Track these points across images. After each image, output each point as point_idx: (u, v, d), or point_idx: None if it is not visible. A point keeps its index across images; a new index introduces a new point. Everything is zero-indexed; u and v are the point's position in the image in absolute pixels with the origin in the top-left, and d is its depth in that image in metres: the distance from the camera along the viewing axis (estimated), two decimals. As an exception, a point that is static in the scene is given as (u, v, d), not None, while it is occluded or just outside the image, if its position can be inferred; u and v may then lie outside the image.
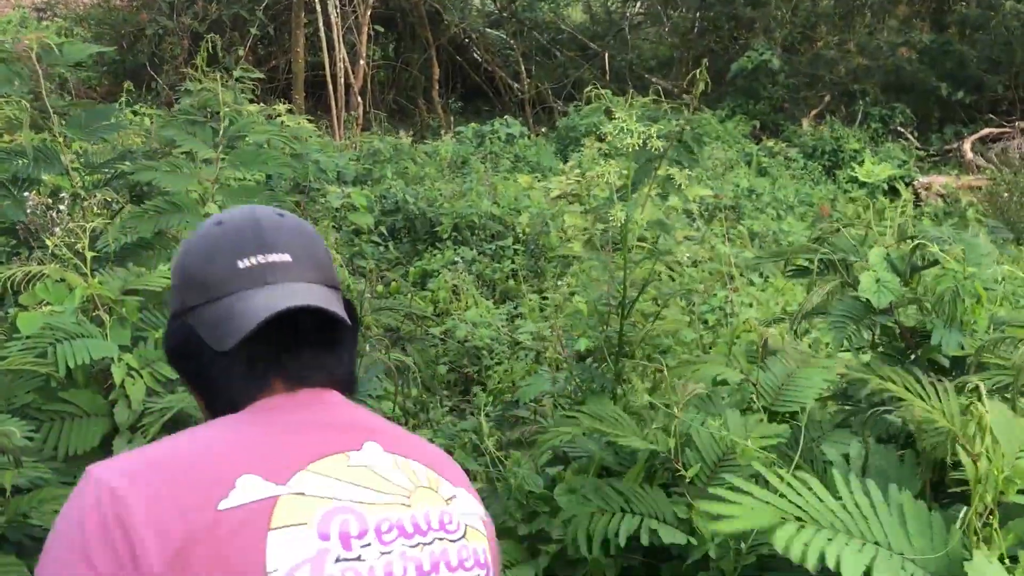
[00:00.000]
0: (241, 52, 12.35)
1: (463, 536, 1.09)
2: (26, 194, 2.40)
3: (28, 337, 1.90)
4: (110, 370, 1.99)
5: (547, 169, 10.39)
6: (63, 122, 2.72)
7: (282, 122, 8.10)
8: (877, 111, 13.53)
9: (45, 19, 18.87)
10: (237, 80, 6.33)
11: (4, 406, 1.81)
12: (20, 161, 2.60)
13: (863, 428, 1.90)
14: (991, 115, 13.26)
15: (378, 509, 1.03)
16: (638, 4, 18.47)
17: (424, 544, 1.04)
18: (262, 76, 8.22)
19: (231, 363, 1.09)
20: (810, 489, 1.31)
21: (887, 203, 9.58)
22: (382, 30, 15.22)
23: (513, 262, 6.12)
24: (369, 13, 14.47)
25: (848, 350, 2.39)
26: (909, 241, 2.65)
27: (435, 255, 6.24)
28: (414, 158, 9.24)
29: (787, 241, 7.40)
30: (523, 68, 16.48)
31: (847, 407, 2.41)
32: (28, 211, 2.30)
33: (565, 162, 12.03)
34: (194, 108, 3.16)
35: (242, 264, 1.09)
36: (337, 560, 0.97)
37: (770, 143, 12.33)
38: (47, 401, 1.93)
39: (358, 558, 0.98)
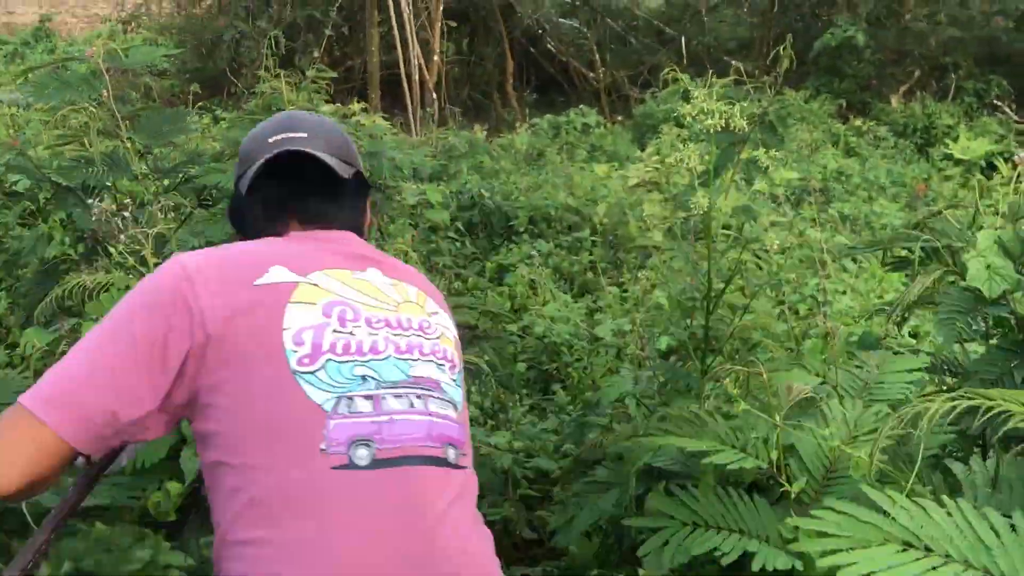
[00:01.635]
0: (316, 54, 12.48)
1: (438, 338, 1.36)
2: (90, 201, 2.37)
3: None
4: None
5: (624, 158, 10.18)
6: (132, 127, 2.69)
7: (357, 121, 8.12)
8: (971, 85, 12.92)
9: (131, 32, 19.49)
10: (311, 80, 6.30)
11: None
12: (90, 169, 2.58)
13: (988, 435, 1.71)
14: (1097, 84, 12.51)
15: (370, 309, 1.31)
16: (715, -13, 18.08)
17: (403, 335, 1.31)
18: (335, 75, 8.21)
19: (252, 205, 1.45)
20: (929, 514, 1.14)
21: (987, 180, 9.08)
22: (455, 25, 15.19)
23: (591, 254, 5.97)
24: (441, 8, 14.46)
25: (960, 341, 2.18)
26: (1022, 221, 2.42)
27: (511, 250, 6.13)
28: (489, 152, 9.16)
29: (879, 224, 7.07)
30: (597, 57, 16.26)
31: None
32: (93, 218, 2.27)
33: (643, 150, 11.82)
34: (259, 108, 3.11)
35: (271, 140, 1.44)
36: (333, 331, 1.26)
37: (857, 122, 11.87)
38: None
39: (350, 332, 1.27)
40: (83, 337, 1.26)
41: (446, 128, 12.25)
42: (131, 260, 1.99)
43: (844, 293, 3.77)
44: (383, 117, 9.94)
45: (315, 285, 1.29)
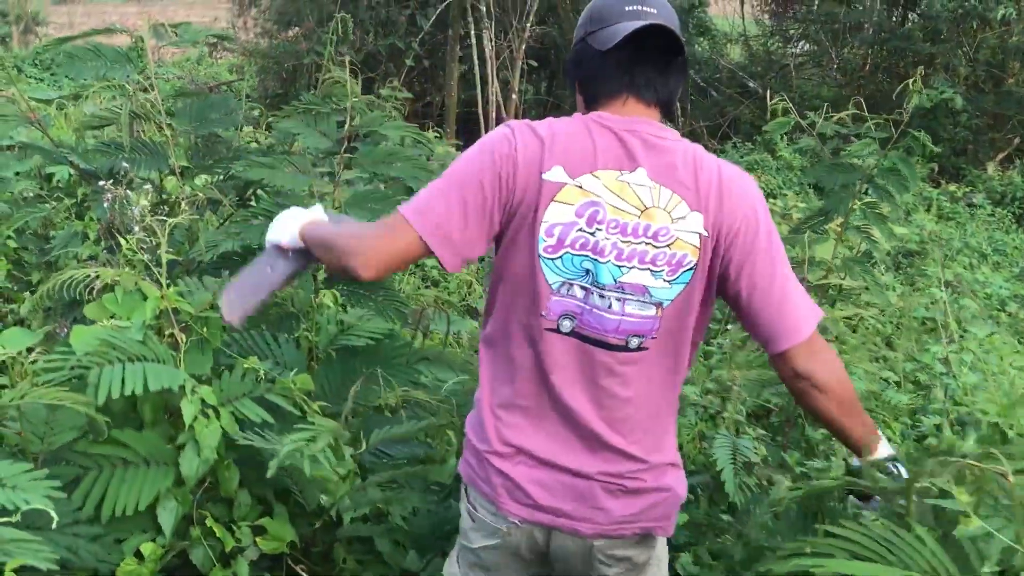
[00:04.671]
0: (396, 83, 12.34)
1: (668, 245, 1.58)
2: (101, 183, 2.02)
3: (80, 356, 1.50)
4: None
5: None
6: (172, 113, 2.35)
7: (431, 148, 7.82)
8: (1078, 156, 12.17)
9: (220, 57, 19.74)
10: (385, 100, 5.99)
11: (41, 447, 1.38)
12: (119, 154, 2.24)
13: None
14: None
15: (616, 212, 1.57)
16: (801, 43, 17.61)
17: (632, 242, 1.56)
18: (410, 96, 7.95)
19: (604, 63, 1.63)
20: None
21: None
22: (536, 65, 14.99)
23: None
24: (523, 48, 14.29)
25: None
26: None
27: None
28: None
29: (984, 293, 6.47)
30: (678, 106, 15.88)
31: None
32: (105, 205, 1.92)
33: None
34: (317, 98, 2.75)
35: (628, 8, 1.62)
36: (578, 230, 1.57)
37: (951, 187, 11.21)
38: (94, 443, 1.51)
39: (591, 233, 1.57)
40: (443, 174, 1.61)
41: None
42: (140, 255, 1.62)
43: (971, 368, 3.27)
44: (455, 147, 9.65)
45: (579, 187, 1.57)
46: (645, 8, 1.62)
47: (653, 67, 1.63)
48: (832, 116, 3.93)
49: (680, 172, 1.59)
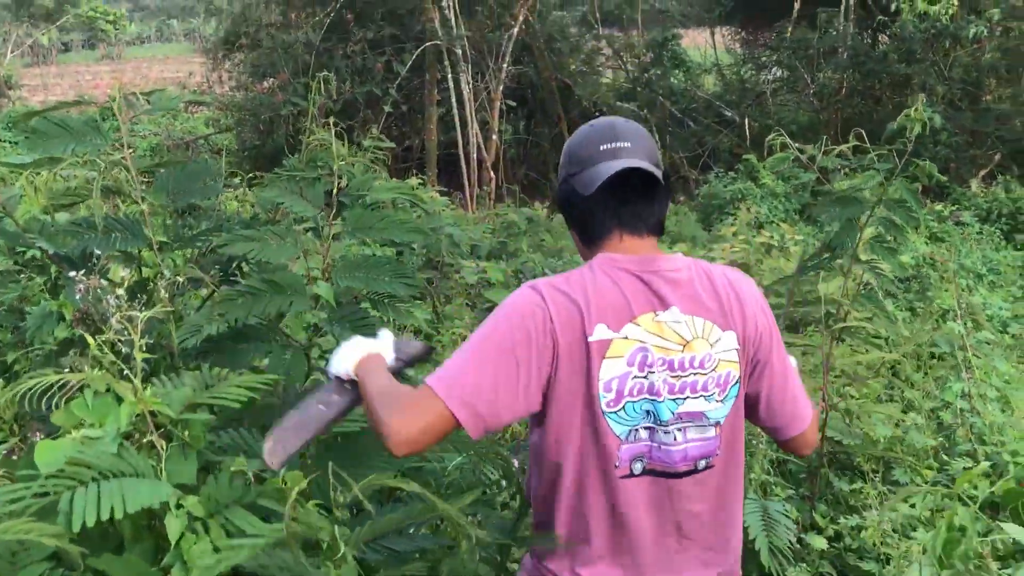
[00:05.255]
0: (375, 131, 12.25)
1: (714, 369, 1.69)
2: (72, 274, 1.86)
3: (47, 478, 1.32)
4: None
5: (690, 239, 9.65)
6: (147, 186, 2.20)
7: (415, 195, 7.71)
8: (1056, 167, 12.19)
9: (196, 111, 19.63)
10: (366, 150, 5.87)
11: (6, 581, 1.21)
12: (91, 234, 2.08)
13: None
14: None
15: (661, 351, 1.66)
16: (775, 70, 17.69)
17: (682, 375, 1.66)
18: (393, 146, 7.81)
19: (594, 205, 1.73)
20: None
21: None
22: (514, 105, 14.96)
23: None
24: (501, 89, 14.26)
25: None
26: None
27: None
28: (550, 230, 8.66)
29: (985, 316, 6.35)
30: (657, 139, 15.92)
31: None
32: (78, 296, 1.76)
33: (708, 231, 11.26)
34: (301, 163, 2.62)
35: (603, 147, 1.73)
36: (632, 377, 1.64)
37: (938, 207, 11.17)
38: (71, 570, 1.34)
39: (644, 376, 1.65)
40: (472, 342, 1.64)
41: (505, 205, 11.83)
42: (110, 355, 1.46)
43: (993, 400, 3.12)
44: (440, 192, 9.54)
45: (625, 338, 1.63)
46: (619, 144, 1.72)
47: (638, 201, 1.73)
48: (832, 149, 3.83)
49: (704, 299, 1.70)
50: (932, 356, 4.65)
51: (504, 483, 2.32)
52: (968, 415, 3.12)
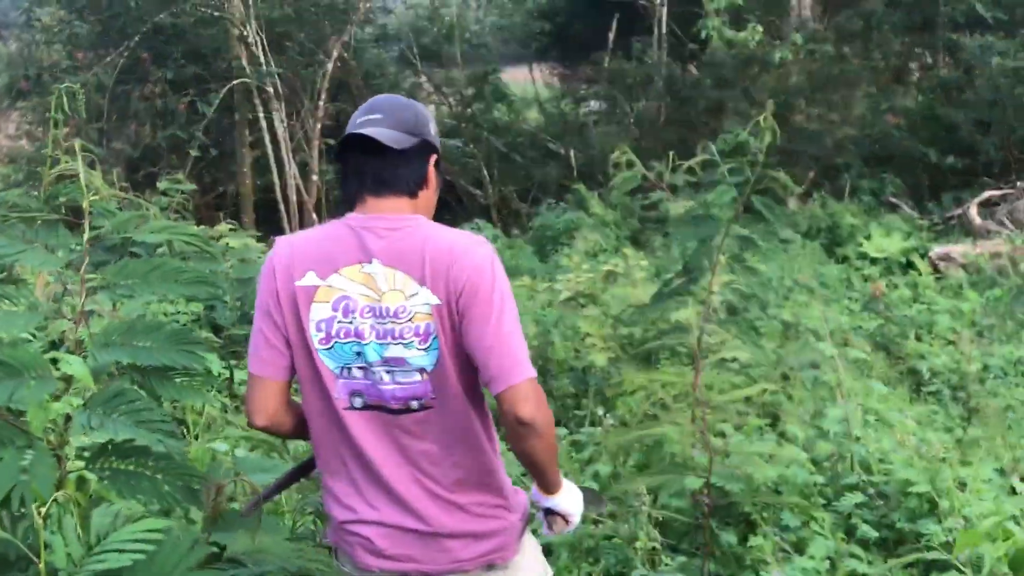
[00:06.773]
0: (180, 177, 11.30)
1: (410, 320, 1.86)
2: None
3: None
4: None
5: (528, 271, 9.36)
6: None
7: (226, 243, 6.98)
8: (865, 183, 12.77)
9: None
10: (163, 194, 5.25)
11: None
12: None
13: None
14: (985, 178, 12.50)
15: (365, 299, 1.87)
16: (592, 102, 17.93)
17: (383, 322, 1.86)
18: (193, 187, 7.00)
19: (344, 169, 1.96)
20: None
21: (916, 277, 8.60)
22: (334, 143, 14.31)
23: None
24: (319, 127, 13.61)
25: None
26: None
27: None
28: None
29: (829, 329, 6.29)
30: (486, 173, 15.74)
31: None
32: None
33: (543, 262, 11.03)
34: (40, 200, 2.05)
35: (360, 119, 1.93)
36: (338, 322, 1.87)
37: (760, 225, 11.41)
38: None
39: (350, 322, 1.87)
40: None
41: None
42: None
43: (871, 425, 2.84)
44: (255, 237, 8.79)
45: (329, 287, 1.87)
46: (370, 116, 1.92)
47: (380, 165, 1.90)
48: (679, 164, 3.56)
49: (407, 255, 1.86)
50: (785, 378, 4.43)
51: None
52: (848, 443, 2.81)
